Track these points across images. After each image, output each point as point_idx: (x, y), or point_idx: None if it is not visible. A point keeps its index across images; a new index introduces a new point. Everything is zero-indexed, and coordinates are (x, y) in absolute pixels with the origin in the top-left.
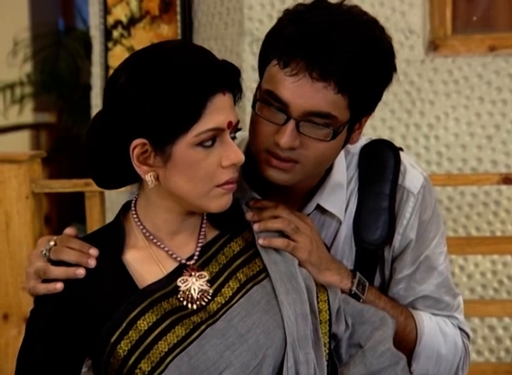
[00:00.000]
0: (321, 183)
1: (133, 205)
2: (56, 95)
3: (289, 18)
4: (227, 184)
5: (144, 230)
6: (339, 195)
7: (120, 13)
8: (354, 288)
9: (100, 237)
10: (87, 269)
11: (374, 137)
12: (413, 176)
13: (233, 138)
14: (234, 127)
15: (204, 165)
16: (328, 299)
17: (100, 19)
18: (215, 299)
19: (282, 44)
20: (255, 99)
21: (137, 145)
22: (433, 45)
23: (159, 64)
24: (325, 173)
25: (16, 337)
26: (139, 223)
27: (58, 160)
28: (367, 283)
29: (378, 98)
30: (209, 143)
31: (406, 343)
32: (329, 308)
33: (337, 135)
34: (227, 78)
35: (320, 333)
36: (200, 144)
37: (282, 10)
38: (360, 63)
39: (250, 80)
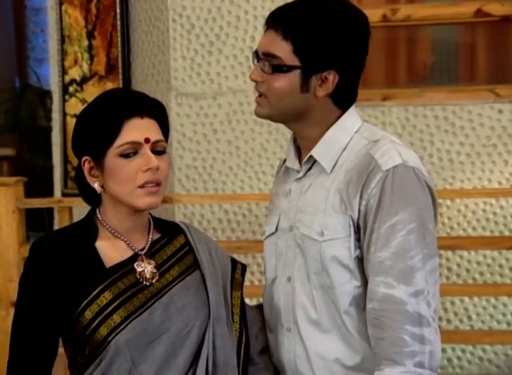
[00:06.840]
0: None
1: (97, 210)
2: (18, 136)
3: None
4: (147, 186)
5: (107, 226)
6: (331, 150)
7: (75, 73)
8: None
9: (77, 228)
10: (69, 252)
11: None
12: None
13: (159, 152)
14: (154, 144)
15: (125, 170)
16: (241, 296)
17: (59, 78)
18: (161, 281)
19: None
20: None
21: (84, 161)
22: None
23: (93, 103)
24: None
25: (4, 316)
26: (103, 222)
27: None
28: None
29: (330, 55)
30: (129, 153)
31: None
32: (241, 303)
33: (277, 71)
34: (144, 106)
35: (230, 319)
36: (122, 154)
37: (201, 72)
38: (300, 16)
39: (175, 123)
